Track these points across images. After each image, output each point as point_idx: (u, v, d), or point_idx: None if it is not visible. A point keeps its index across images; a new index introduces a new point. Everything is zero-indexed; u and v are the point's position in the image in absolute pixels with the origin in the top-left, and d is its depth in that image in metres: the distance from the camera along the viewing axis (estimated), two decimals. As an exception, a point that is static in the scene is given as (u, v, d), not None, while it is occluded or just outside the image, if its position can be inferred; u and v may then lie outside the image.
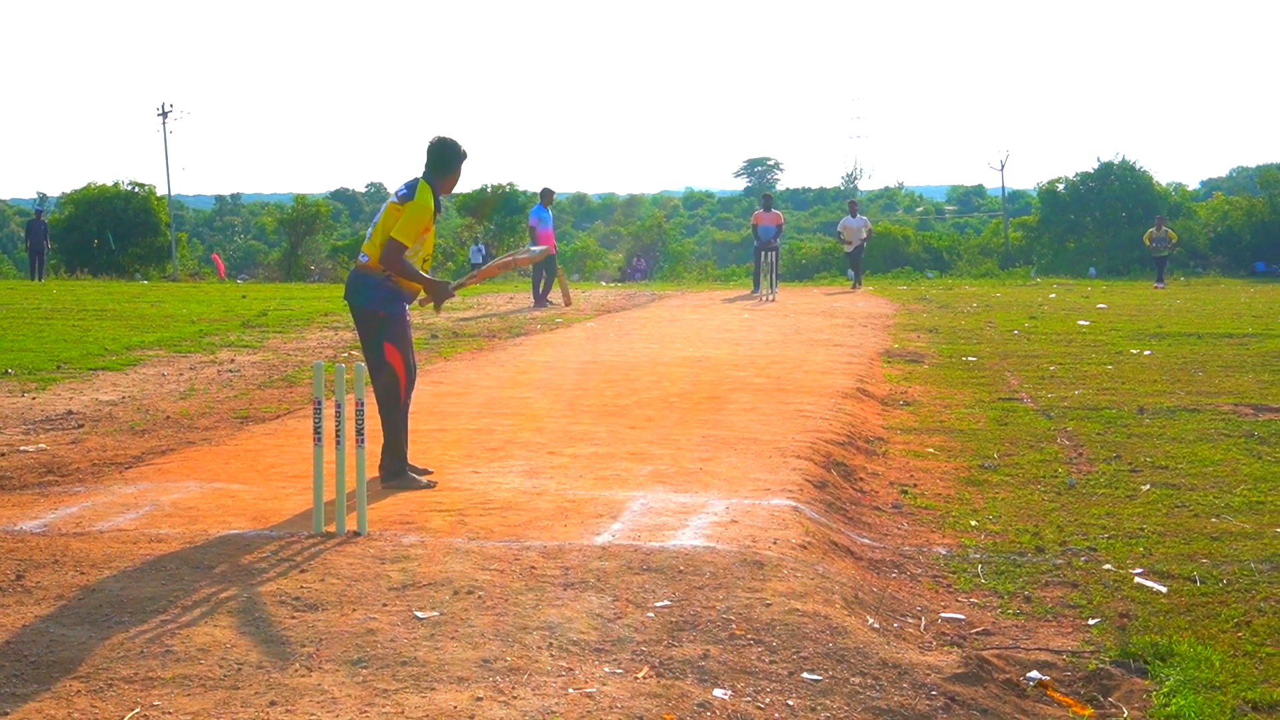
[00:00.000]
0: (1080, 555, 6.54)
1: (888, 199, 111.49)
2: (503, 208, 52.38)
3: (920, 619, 5.58)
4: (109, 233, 46.98)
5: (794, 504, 6.93)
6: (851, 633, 4.92)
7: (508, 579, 5.42)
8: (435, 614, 4.98)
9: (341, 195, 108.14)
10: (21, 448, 8.79)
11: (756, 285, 26.28)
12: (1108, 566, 6.32)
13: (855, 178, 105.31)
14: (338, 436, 6.16)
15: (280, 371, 13.25)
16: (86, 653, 4.56)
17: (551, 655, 4.59)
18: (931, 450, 9.37)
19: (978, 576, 6.25)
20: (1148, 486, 8.01)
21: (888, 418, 10.76)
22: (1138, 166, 47.95)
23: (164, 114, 62.05)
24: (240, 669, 4.43)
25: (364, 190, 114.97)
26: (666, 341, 16.09)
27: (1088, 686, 4.81)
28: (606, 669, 4.48)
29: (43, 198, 63.50)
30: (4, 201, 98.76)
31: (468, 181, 52.19)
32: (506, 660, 4.52)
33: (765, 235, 25.69)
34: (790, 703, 4.27)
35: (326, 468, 6.21)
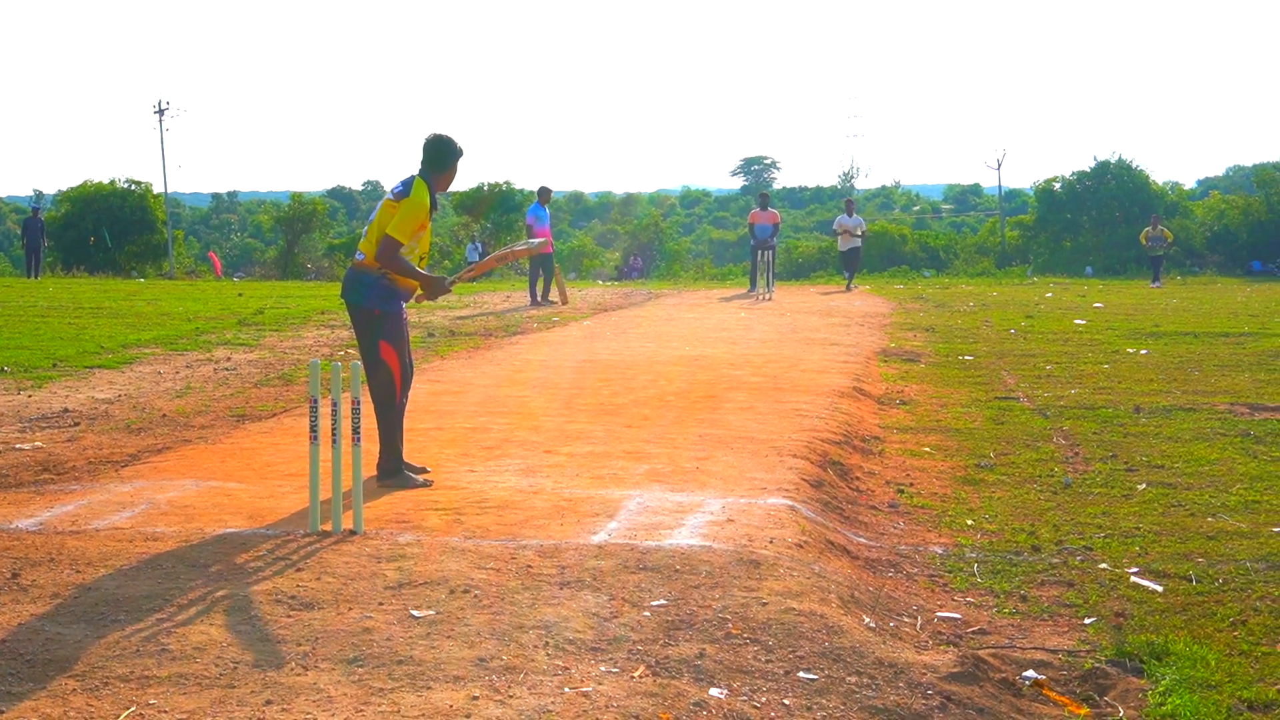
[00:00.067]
0: (1076, 554, 6.55)
1: (884, 198, 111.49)
2: (499, 206, 52.33)
3: (916, 618, 5.58)
4: (105, 230, 46.90)
5: (790, 503, 6.93)
6: (847, 632, 4.93)
7: (504, 578, 5.42)
8: (431, 613, 4.98)
9: (338, 193, 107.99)
10: (17, 445, 8.78)
11: (753, 284, 26.28)
12: (1104, 566, 6.33)
13: (852, 176, 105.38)
14: (334, 435, 6.15)
15: (277, 370, 13.25)
16: (82, 651, 4.56)
17: (548, 654, 4.59)
18: (928, 449, 9.38)
19: (974, 576, 6.26)
20: (1144, 486, 8.02)
21: (884, 417, 10.76)
22: (1134, 165, 47.90)
23: (160, 111, 61.94)
24: (236, 668, 4.43)
25: (361, 188, 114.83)
26: (663, 340, 16.09)
27: (1084, 686, 4.81)
28: (602, 668, 4.49)
29: (39, 195, 63.53)
30: (0, 199, 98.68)
31: (464, 180, 52.13)
32: (503, 659, 4.52)
33: (762, 234, 25.69)
34: (786, 702, 4.28)
35: (323, 466, 6.21)
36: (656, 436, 8.86)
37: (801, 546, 6.08)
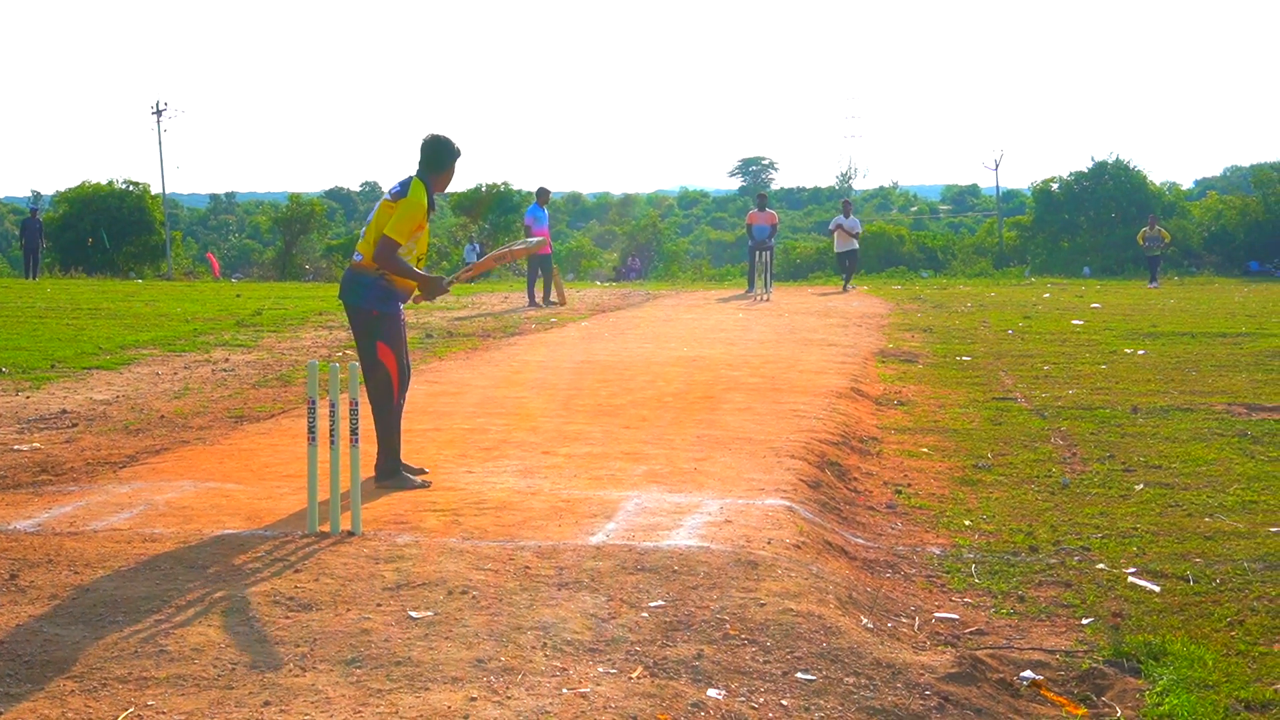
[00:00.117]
0: (1074, 555, 6.55)
1: (882, 198, 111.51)
2: (498, 207, 52.36)
3: (914, 619, 5.58)
4: (103, 231, 46.89)
5: (788, 504, 6.93)
6: (845, 633, 4.93)
7: (502, 579, 5.43)
8: (429, 614, 4.98)
9: (336, 194, 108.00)
10: (15, 447, 8.78)
11: (751, 285, 26.29)
12: (1101, 566, 6.33)
13: (850, 177, 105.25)
14: (332, 436, 6.16)
15: (275, 371, 13.25)
16: (80, 652, 4.56)
17: (545, 655, 4.59)
18: (925, 450, 9.38)
19: (971, 576, 6.26)
20: (1141, 486, 8.03)
21: (882, 417, 10.77)
22: (1132, 166, 47.98)
23: (158, 112, 61.92)
24: (234, 669, 4.43)
25: (359, 189, 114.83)
26: (661, 341, 16.10)
27: (1081, 686, 4.82)
28: (600, 669, 4.49)
29: (37, 196, 63.49)
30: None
31: (462, 180, 52.12)
32: (500, 660, 4.53)
33: (760, 235, 25.70)
34: (784, 703, 4.28)
35: (321, 467, 6.21)
36: (654, 437, 8.86)
37: (799, 547, 6.08)
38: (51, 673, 4.39)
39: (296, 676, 4.36)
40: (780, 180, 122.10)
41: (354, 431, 6.22)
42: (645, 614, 5.03)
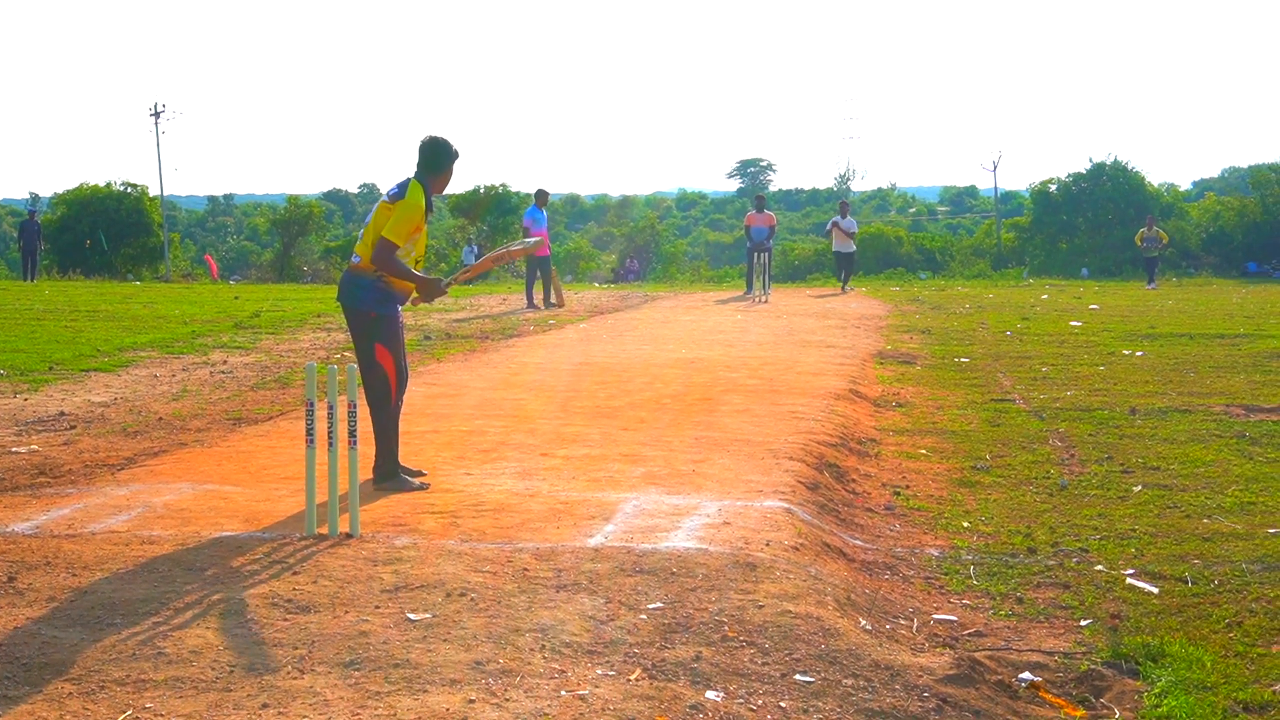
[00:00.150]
0: (1072, 556, 6.55)
1: (880, 200, 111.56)
2: (496, 208, 52.35)
3: (912, 620, 5.59)
4: (101, 233, 46.87)
5: (786, 506, 6.93)
6: (844, 634, 4.93)
7: (500, 581, 5.42)
8: (428, 616, 4.98)
9: (334, 196, 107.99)
10: (13, 449, 8.78)
11: (749, 286, 26.30)
12: (1099, 567, 6.33)
13: (848, 179, 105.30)
14: (330, 438, 6.15)
15: (273, 373, 13.25)
16: (78, 655, 4.56)
17: (544, 657, 4.59)
18: (924, 452, 9.38)
19: (970, 578, 6.26)
20: (1139, 487, 8.03)
21: (880, 419, 10.77)
22: (1130, 167, 47.97)
23: (156, 114, 61.91)
24: (232, 671, 4.43)
25: (357, 191, 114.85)
26: (659, 343, 16.10)
27: (1080, 687, 4.82)
28: (599, 671, 4.49)
29: (35, 198, 63.47)
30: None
31: (461, 182, 52.09)
32: (499, 662, 4.52)
33: (758, 236, 25.71)
34: (783, 704, 4.28)
35: (319, 469, 6.21)
36: (653, 439, 8.86)
37: (798, 549, 6.08)
38: (49, 675, 4.39)
39: (294, 679, 4.36)
40: (778, 182, 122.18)
41: (352, 433, 6.22)
42: (644, 616, 5.03)
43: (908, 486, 8.27)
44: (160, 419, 10.14)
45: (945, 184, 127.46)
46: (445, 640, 4.73)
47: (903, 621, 5.55)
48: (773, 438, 8.93)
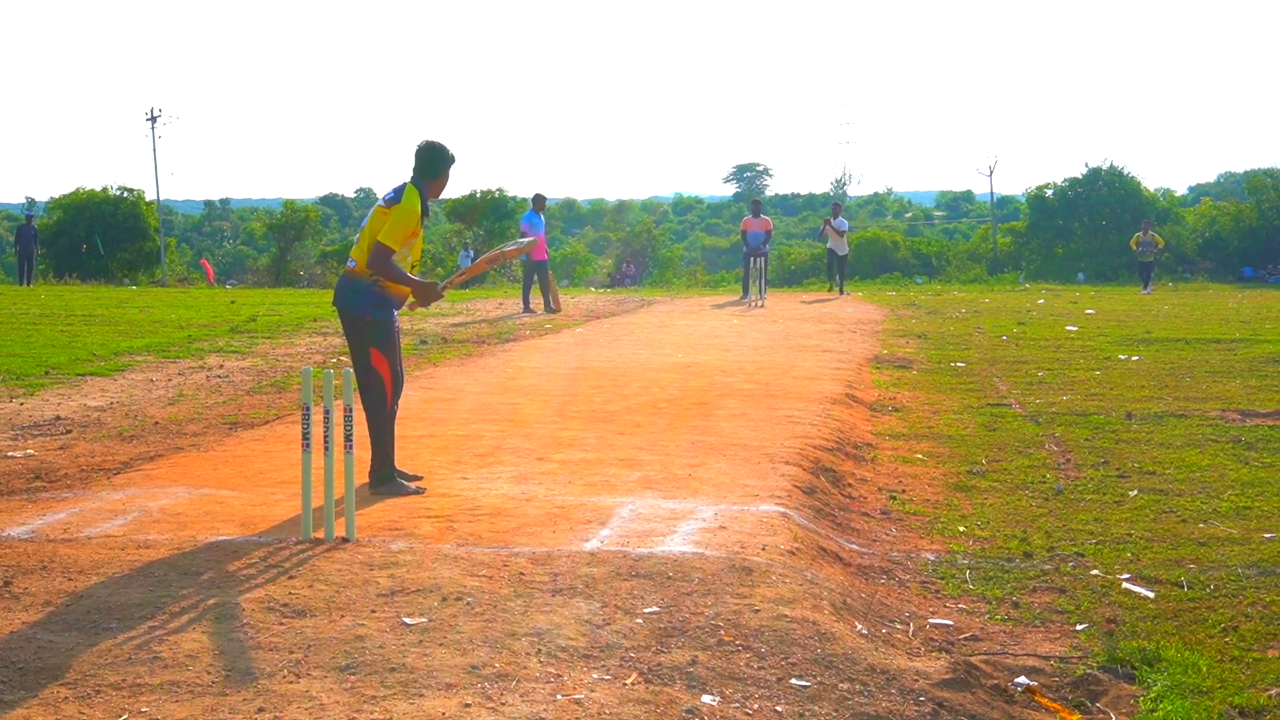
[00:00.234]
0: (1068, 561, 6.56)
1: (877, 204, 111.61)
2: (492, 213, 52.39)
3: (908, 625, 5.59)
4: (98, 238, 46.89)
5: (782, 510, 6.94)
6: (840, 638, 4.93)
7: (496, 585, 5.42)
8: (424, 620, 4.98)
9: (330, 200, 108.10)
10: (9, 453, 8.77)
11: (746, 291, 26.32)
12: (1095, 572, 6.34)
13: (844, 183, 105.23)
14: (326, 442, 6.15)
15: (269, 377, 13.24)
16: (74, 659, 4.56)
17: (540, 661, 4.59)
18: (920, 456, 9.39)
19: (966, 582, 6.26)
20: (1135, 492, 8.03)
21: (876, 424, 10.77)
22: (1126, 172, 48.07)
23: (153, 119, 61.99)
24: (228, 675, 4.42)
25: (353, 195, 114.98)
26: (656, 347, 16.10)
27: (1075, 692, 4.83)
28: (595, 675, 4.49)
29: (31, 202, 63.43)
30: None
31: (457, 187, 52.19)
32: (495, 666, 4.52)
33: (754, 241, 25.73)
34: (779, 709, 4.28)
35: (315, 474, 6.21)
36: (649, 443, 8.86)
37: (794, 553, 6.08)
38: (45, 679, 4.38)
39: (290, 683, 4.36)
40: (775, 186, 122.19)
41: (348, 438, 6.22)
42: (640, 620, 5.03)
43: (903, 491, 8.27)
44: (156, 423, 10.13)
45: (941, 189, 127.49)
46: (441, 644, 4.73)
47: (899, 626, 5.55)
48: (769, 442, 8.93)
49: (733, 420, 9.92)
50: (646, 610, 5.14)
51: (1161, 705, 4.61)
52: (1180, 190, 79.71)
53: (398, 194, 7.15)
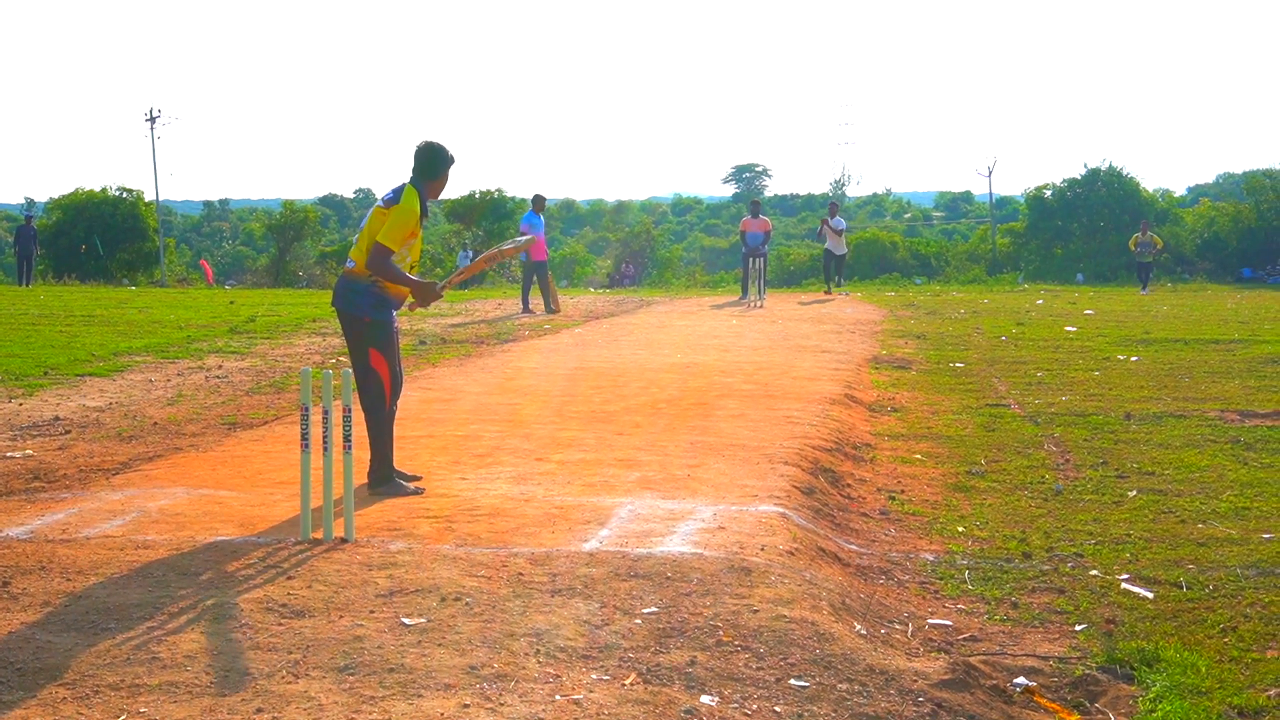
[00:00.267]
0: (1067, 561, 6.56)
1: (876, 205, 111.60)
2: (491, 213, 52.39)
3: (907, 625, 5.58)
4: (97, 238, 46.90)
5: (781, 510, 6.93)
6: (838, 639, 4.93)
7: (495, 585, 5.42)
8: (422, 621, 4.98)
9: (330, 201, 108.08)
10: (8, 454, 8.77)
11: (745, 291, 26.31)
12: (1094, 572, 6.33)
13: (843, 184, 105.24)
14: (325, 443, 6.15)
15: (268, 378, 13.24)
16: (73, 659, 4.55)
17: (539, 662, 4.59)
18: (919, 456, 9.39)
19: (965, 583, 6.26)
20: (1134, 493, 8.03)
21: (875, 424, 10.77)
22: (1125, 173, 48.11)
23: (152, 119, 62.04)
24: (227, 676, 4.42)
25: (352, 196, 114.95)
26: (655, 348, 16.09)
27: (1074, 692, 4.83)
28: (594, 676, 4.48)
29: (30, 203, 63.49)
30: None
31: (456, 187, 52.19)
32: (494, 667, 4.52)
33: (753, 242, 25.72)
34: (777, 709, 4.28)
35: (314, 474, 6.20)
36: (648, 444, 8.86)
37: (793, 554, 6.08)
38: (44, 680, 4.38)
39: (289, 683, 4.36)
40: (774, 187, 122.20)
41: (347, 438, 6.21)
42: (638, 620, 5.03)
43: (903, 491, 8.27)
44: (155, 424, 10.13)
45: (940, 189, 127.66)
46: (440, 645, 4.73)
47: (898, 626, 5.55)
48: (768, 443, 8.93)
49: (732, 421, 9.92)
50: (645, 611, 5.14)
51: (1160, 706, 4.61)
52: (1179, 191, 79.93)
53: (397, 194, 7.15)
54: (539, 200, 22.89)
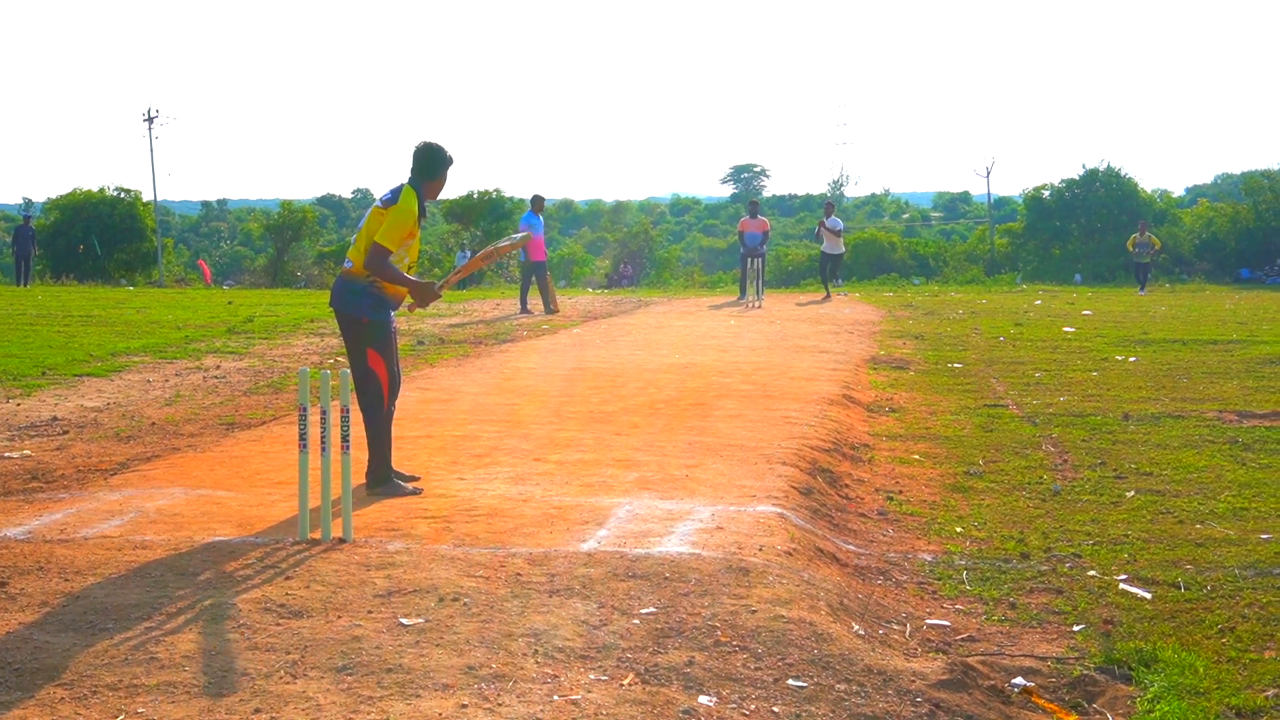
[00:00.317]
0: (1065, 562, 6.56)
1: (874, 205, 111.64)
2: (489, 214, 52.37)
3: (905, 625, 5.58)
4: (95, 239, 46.88)
5: (780, 511, 6.93)
6: (836, 639, 4.93)
7: (493, 586, 5.42)
8: (420, 621, 4.98)
9: (328, 201, 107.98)
10: (6, 454, 8.76)
11: (743, 292, 26.30)
12: (1092, 573, 6.34)
13: (841, 184, 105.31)
14: (323, 443, 6.15)
15: (266, 378, 13.23)
16: (70, 660, 4.55)
17: (537, 662, 4.59)
18: (917, 457, 9.39)
19: (963, 583, 6.26)
20: (1132, 493, 8.03)
21: (873, 424, 10.77)
22: (1123, 173, 48.13)
23: (150, 119, 62.00)
24: (225, 676, 4.42)
25: (350, 196, 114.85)
26: (653, 348, 16.09)
27: (1072, 693, 4.83)
28: (592, 676, 4.48)
29: (28, 203, 63.40)
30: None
31: (454, 187, 52.20)
32: (492, 667, 4.52)
33: (751, 242, 25.71)
34: (775, 709, 4.28)
35: (312, 474, 6.20)
36: (646, 444, 8.86)
37: (790, 554, 6.08)
38: (42, 680, 4.38)
39: (287, 684, 4.36)
40: (772, 187, 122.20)
41: (345, 438, 6.21)
42: (636, 621, 5.03)
43: (901, 492, 8.27)
44: (153, 424, 10.13)
45: (939, 190, 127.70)
46: (438, 645, 4.72)
47: (895, 626, 5.55)
48: (766, 443, 8.93)
49: (730, 421, 9.92)
50: (643, 611, 5.14)
51: (1158, 706, 4.61)
52: (1177, 192, 79.98)
53: (395, 195, 7.15)
54: (538, 200, 22.88)
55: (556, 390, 11.92)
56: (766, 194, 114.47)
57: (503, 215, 51.62)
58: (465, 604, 5.17)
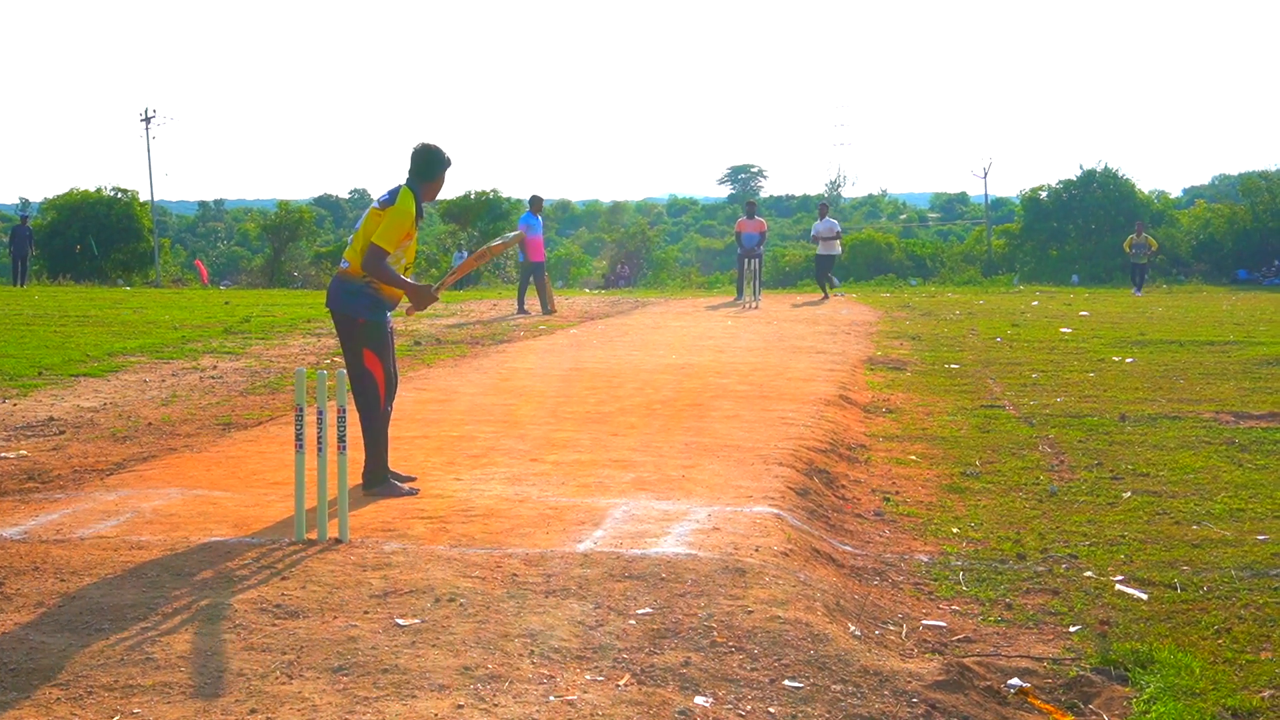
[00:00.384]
0: (1061, 562, 6.56)
1: (871, 206, 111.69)
2: (486, 214, 52.38)
3: (902, 626, 5.59)
4: (92, 239, 46.85)
5: (776, 511, 6.93)
6: (833, 640, 4.93)
7: (489, 586, 5.42)
8: (416, 621, 4.98)
9: (325, 201, 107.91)
10: (2, 454, 8.75)
11: (740, 293, 26.31)
12: (1089, 574, 6.34)
13: (839, 185, 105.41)
14: (320, 443, 6.14)
15: (263, 378, 13.22)
16: (66, 660, 4.55)
17: (533, 663, 4.59)
18: (914, 457, 9.39)
19: (959, 584, 6.27)
20: (1129, 494, 8.04)
21: (870, 425, 10.77)
22: (1120, 174, 48.13)
23: (147, 119, 61.96)
24: (221, 676, 4.41)
25: (347, 196, 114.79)
26: (650, 348, 16.10)
27: (1069, 694, 4.83)
28: (588, 676, 4.48)
29: (25, 203, 63.38)
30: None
31: (452, 188, 52.14)
32: (488, 668, 4.52)
33: (748, 243, 25.70)
34: (772, 710, 4.28)
35: (308, 475, 6.19)
36: (643, 445, 8.86)
37: (787, 555, 6.08)
38: (37, 680, 4.37)
39: (283, 684, 4.35)
40: (769, 188, 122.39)
41: (341, 439, 6.21)
42: (633, 621, 5.03)
43: (897, 492, 8.27)
44: (149, 424, 10.12)
45: (936, 190, 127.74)
46: (434, 645, 4.72)
47: (892, 627, 5.55)
48: (763, 443, 8.93)
49: (727, 421, 9.92)
50: (639, 611, 5.14)
51: (1154, 707, 4.61)
52: (1174, 193, 79.92)
53: (393, 196, 7.14)
54: (536, 201, 22.87)
55: (553, 391, 11.91)
56: (764, 194, 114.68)
57: (500, 215, 51.62)
58: (461, 604, 5.17)
